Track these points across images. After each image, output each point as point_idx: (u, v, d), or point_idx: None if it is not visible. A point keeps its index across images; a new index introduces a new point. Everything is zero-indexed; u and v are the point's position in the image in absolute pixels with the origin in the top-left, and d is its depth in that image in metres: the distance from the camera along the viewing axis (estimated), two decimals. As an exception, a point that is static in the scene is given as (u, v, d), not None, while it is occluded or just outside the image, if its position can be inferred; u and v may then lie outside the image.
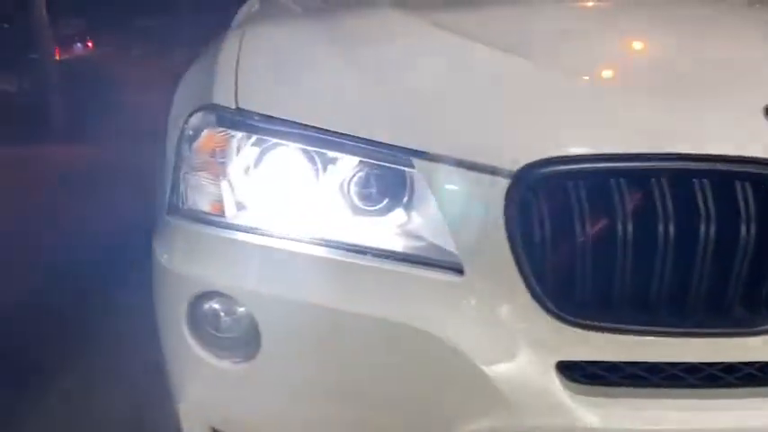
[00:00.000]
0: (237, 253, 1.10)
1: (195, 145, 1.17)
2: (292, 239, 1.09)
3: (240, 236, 1.10)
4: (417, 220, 1.10)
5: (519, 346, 1.01)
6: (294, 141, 1.11)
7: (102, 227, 3.54)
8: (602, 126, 0.99)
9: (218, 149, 1.16)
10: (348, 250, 1.07)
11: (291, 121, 1.10)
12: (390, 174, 1.09)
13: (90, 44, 7.60)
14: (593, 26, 1.34)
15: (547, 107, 1.03)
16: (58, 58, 6.65)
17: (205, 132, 1.16)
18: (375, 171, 1.10)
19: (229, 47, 1.31)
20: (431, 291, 1.04)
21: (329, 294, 1.06)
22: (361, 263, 1.07)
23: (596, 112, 1.01)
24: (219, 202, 1.15)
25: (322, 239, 1.09)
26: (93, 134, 5.97)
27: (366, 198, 1.12)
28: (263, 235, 1.10)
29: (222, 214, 1.14)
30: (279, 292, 1.07)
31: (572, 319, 0.99)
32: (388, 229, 1.10)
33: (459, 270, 1.02)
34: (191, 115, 1.19)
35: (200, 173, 1.17)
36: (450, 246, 1.03)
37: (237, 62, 1.23)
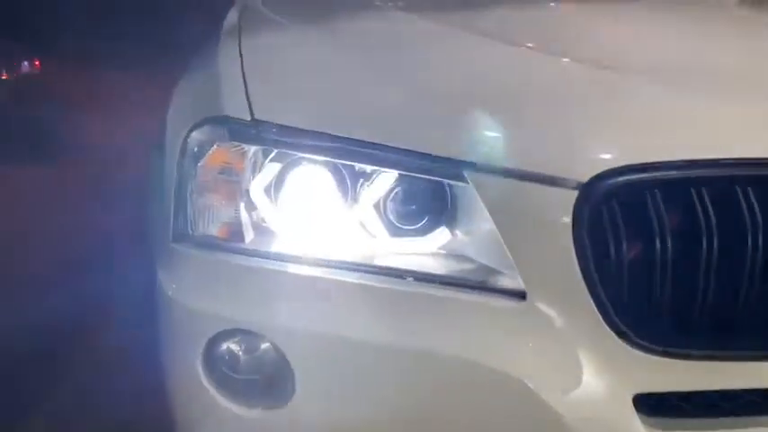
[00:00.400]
0: (262, 283, 0.97)
1: (202, 162, 1.03)
2: (322, 265, 0.97)
3: (264, 263, 0.97)
4: (465, 240, 0.99)
5: (592, 379, 0.89)
6: (321, 154, 0.99)
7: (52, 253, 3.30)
8: (684, 129, 0.90)
9: (231, 166, 1.02)
10: (387, 275, 0.96)
11: (317, 132, 0.97)
12: (434, 188, 0.98)
13: (37, 63, 7.32)
14: (630, 24, 1.25)
15: (615, 110, 0.93)
16: (5, 78, 6.36)
17: (214, 148, 1.02)
18: (416, 186, 0.98)
19: (228, 55, 1.18)
20: (488, 318, 0.92)
21: (371, 327, 0.94)
22: (403, 289, 0.95)
23: (675, 115, 0.91)
24: (236, 225, 1.02)
25: (355, 264, 0.97)
26: (42, 156, 5.68)
27: (404, 216, 1.00)
28: (289, 262, 0.97)
29: (240, 239, 1.00)
30: (314, 326, 0.94)
31: (652, 346, 0.88)
32: (431, 251, 0.99)
33: (519, 294, 0.91)
34: (192, 130, 1.05)
35: (209, 194, 1.03)
36: (509, 267, 0.92)
37: (243, 71, 1.10)
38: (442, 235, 0.99)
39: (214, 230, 1.02)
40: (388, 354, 0.93)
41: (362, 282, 0.95)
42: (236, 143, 1.01)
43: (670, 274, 0.87)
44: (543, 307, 0.90)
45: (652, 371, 0.90)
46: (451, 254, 0.99)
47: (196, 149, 1.04)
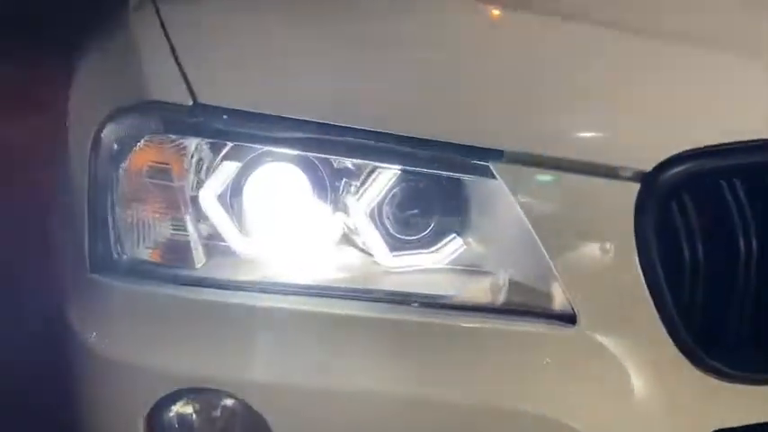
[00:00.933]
0: (222, 322, 0.73)
1: (126, 164, 0.77)
2: (301, 294, 0.74)
3: (223, 296, 0.74)
4: (483, 250, 0.78)
5: (662, 418, 0.71)
6: (294, 148, 0.75)
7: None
8: None
9: (167, 167, 0.77)
10: (386, 302, 0.75)
11: (287, 118, 0.74)
12: (443, 186, 0.76)
13: None
14: None
15: (684, 83, 0.75)
16: None
17: (141, 144, 0.77)
18: (420, 184, 0.77)
19: (146, 24, 0.91)
20: (525, 352, 0.72)
21: (372, 372, 0.72)
22: (409, 318, 0.74)
23: (760, 87, 0.74)
24: (180, 246, 0.77)
25: (344, 290, 0.76)
26: None
27: (405, 224, 0.79)
28: (258, 291, 0.74)
29: (187, 264, 0.76)
30: (299, 377, 0.71)
31: (734, 371, 0.71)
32: (441, 266, 0.78)
33: (567, 318, 0.71)
34: (108, 122, 0.79)
35: (139, 204, 0.78)
36: (551, 284, 0.72)
37: (170, 42, 0.84)
38: (453, 245, 0.78)
39: (148, 253, 0.77)
40: (397, 408, 0.72)
41: (355, 313, 0.74)
42: (174, 136, 0.76)
43: (755, 282, 0.70)
44: (598, 332, 0.71)
45: (733, 401, 0.72)
46: (468, 269, 0.78)
47: (115, 147, 0.78)
